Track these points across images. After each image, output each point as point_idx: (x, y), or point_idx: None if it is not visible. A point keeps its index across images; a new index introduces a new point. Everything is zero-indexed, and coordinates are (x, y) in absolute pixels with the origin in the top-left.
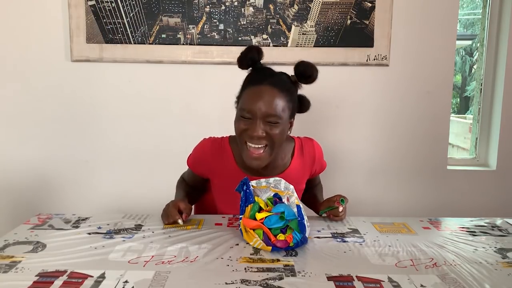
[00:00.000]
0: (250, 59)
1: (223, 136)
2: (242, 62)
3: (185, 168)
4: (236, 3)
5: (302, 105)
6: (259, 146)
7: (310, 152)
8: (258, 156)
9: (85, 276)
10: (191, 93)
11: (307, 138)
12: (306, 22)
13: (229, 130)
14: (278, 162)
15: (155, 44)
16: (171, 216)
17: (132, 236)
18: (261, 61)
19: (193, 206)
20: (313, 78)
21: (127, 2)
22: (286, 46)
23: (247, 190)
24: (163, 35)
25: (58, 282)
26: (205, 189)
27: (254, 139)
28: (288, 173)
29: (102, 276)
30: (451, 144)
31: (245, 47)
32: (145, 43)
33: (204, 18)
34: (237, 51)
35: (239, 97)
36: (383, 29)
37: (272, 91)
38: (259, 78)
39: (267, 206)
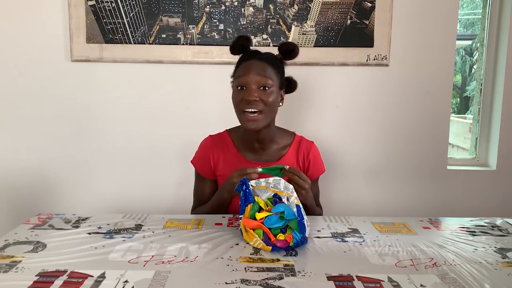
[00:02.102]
0: (240, 45)
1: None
2: (234, 48)
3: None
4: (236, 3)
5: (290, 84)
6: (255, 110)
7: (306, 149)
8: (254, 118)
9: (85, 276)
10: (191, 93)
11: (308, 140)
12: (306, 22)
13: (228, 128)
14: (275, 148)
15: (155, 44)
16: (247, 170)
17: (132, 236)
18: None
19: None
20: (295, 53)
21: (127, 2)
22: None
23: (247, 190)
24: (163, 35)
25: (58, 282)
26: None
27: (250, 103)
28: (284, 160)
29: (102, 276)
30: (451, 144)
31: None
32: (145, 43)
33: (204, 18)
34: None
35: (233, 76)
36: (383, 29)
37: (261, 63)
38: (249, 55)
39: (267, 206)
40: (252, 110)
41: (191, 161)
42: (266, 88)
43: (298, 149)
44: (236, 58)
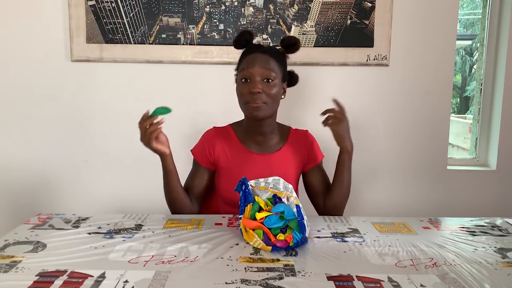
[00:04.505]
0: (244, 40)
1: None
2: (238, 43)
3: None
4: (236, 3)
5: (292, 78)
6: (258, 102)
7: (303, 137)
8: (258, 106)
9: (85, 276)
10: (191, 93)
11: (302, 129)
12: (306, 22)
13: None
14: (275, 140)
15: (155, 44)
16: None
17: (132, 236)
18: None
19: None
20: (297, 46)
21: (127, 2)
22: None
23: (246, 190)
24: (163, 35)
25: (58, 282)
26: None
27: (254, 95)
28: (284, 151)
29: (102, 276)
30: (451, 144)
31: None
32: (145, 43)
33: (204, 18)
34: (237, 51)
35: (237, 69)
36: (383, 29)
37: (264, 56)
38: (252, 48)
39: (267, 206)
40: (256, 102)
41: (192, 153)
42: (270, 80)
43: (295, 139)
44: (236, 55)
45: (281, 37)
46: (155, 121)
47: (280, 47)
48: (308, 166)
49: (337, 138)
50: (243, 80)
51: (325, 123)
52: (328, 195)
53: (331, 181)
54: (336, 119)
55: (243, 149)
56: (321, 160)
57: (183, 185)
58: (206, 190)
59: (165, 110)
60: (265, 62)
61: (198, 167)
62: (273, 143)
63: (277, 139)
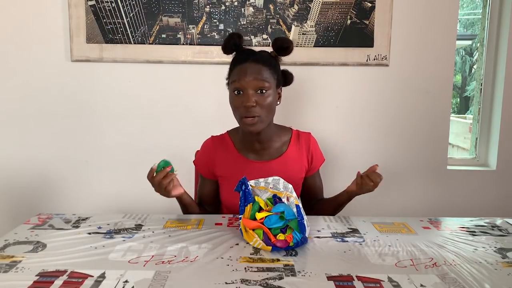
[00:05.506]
0: (233, 44)
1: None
2: (226, 48)
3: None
4: (236, 3)
5: (286, 78)
6: (254, 117)
7: (306, 142)
8: (253, 122)
9: (85, 276)
10: (191, 93)
11: (304, 131)
12: (306, 22)
13: (229, 129)
14: (275, 145)
15: (155, 44)
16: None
17: (132, 236)
18: (243, 46)
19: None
20: (290, 50)
21: (127, 2)
22: None
23: (246, 190)
24: (163, 35)
25: (58, 282)
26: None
27: (248, 109)
28: (286, 157)
29: (102, 276)
30: (451, 144)
31: (228, 34)
32: (145, 43)
33: (204, 18)
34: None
35: (228, 78)
36: (383, 29)
37: (256, 65)
38: (243, 57)
39: (267, 206)
40: (251, 117)
41: (194, 164)
42: (263, 91)
43: (298, 143)
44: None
45: (273, 39)
46: (168, 172)
47: (272, 51)
48: (307, 173)
49: (355, 187)
50: (235, 92)
51: (363, 178)
52: (312, 205)
53: (323, 185)
54: (371, 186)
55: (242, 158)
56: (319, 167)
57: (196, 195)
58: (217, 195)
59: (167, 163)
60: (257, 73)
61: (203, 179)
62: (273, 149)
63: (278, 145)
